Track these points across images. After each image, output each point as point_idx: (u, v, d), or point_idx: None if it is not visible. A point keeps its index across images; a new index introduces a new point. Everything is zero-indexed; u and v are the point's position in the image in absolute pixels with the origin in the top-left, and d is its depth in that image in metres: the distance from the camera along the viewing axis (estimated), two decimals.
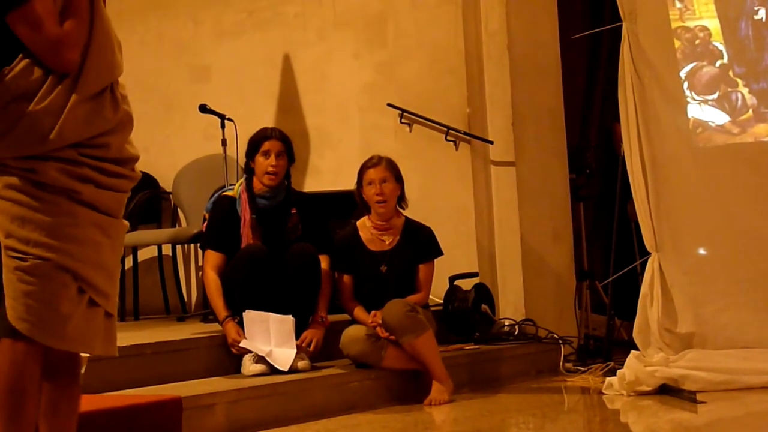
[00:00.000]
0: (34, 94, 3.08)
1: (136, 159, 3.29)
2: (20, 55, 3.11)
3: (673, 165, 6.37)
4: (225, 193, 6.02)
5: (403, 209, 6.15)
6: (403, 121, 7.35)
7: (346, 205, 6.59)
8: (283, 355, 5.60)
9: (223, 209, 5.94)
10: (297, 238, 5.89)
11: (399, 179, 6.07)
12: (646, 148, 6.28)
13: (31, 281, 3.07)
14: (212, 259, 5.85)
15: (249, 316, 5.64)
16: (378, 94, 7.48)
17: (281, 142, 5.96)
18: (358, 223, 6.14)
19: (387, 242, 6.09)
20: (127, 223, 3.33)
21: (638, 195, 6.28)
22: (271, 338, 5.62)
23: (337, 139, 7.68)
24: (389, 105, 7.35)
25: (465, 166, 7.29)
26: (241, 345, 5.60)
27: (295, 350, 5.62)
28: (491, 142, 7.25)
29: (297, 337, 5.68)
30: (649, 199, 6.24)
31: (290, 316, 5.66)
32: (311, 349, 5.73)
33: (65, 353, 3.22)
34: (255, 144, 5.96)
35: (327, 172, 7.66)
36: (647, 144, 6.28)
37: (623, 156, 6.41)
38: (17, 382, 3.13)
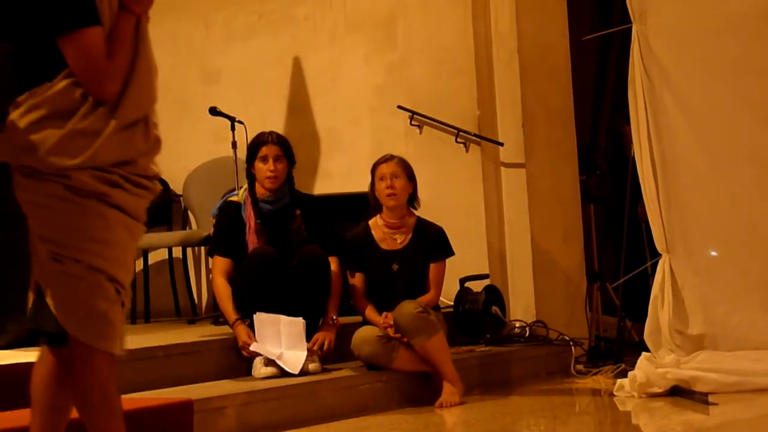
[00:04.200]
0: (72, 114, 3.10)
1: (158, 177, 3.34)
2: (62, 74, 3.12)
3: (684, 166, 6.36)
4: (230, 199, 6.02)
5: (416, 209, 6.16)
6: (413, 123, 7.35)
7: (356, 207, 6.58)
8: (294, 357, 5.60)
9: (228, 215, 5.95)
10: (303, 240, 5.88)
11: (411, 177, 6.09)
12: (656, 149, 6.27)
13: (68, 283, 3.11)
14: (220, 264, 5.86)
15: (259, 318, 5.64)
16: (388, 97, 7.47)
17: (278, 146, 5.94)
18: (370, 222, 6.15)
19: (399, 241, 6.09)
20: (145, 227, 3.37)
21: (648, 196, 6.27)
22: (281, 341, 5.62)
23: (347, 142, 7.68)
24: (399, 107, 7.34)
25: (475, 167, 7.29)
26: (252, 348, 5.60)
27: (305, 353, 5.62)
28: (501, 144, 7.25)
29: (308, 339, 5.69)
30: (659, 200, 6.23)
31: (301, 318, 5.66)
32: (323, 350, 5.73)
33: (81, 351, 3.18)
34: (253, 150, 5.96)
35: (337, 174, 7.66)
36: (657, 145, 6.27)
37: (633, 157, 6.40)
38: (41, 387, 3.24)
